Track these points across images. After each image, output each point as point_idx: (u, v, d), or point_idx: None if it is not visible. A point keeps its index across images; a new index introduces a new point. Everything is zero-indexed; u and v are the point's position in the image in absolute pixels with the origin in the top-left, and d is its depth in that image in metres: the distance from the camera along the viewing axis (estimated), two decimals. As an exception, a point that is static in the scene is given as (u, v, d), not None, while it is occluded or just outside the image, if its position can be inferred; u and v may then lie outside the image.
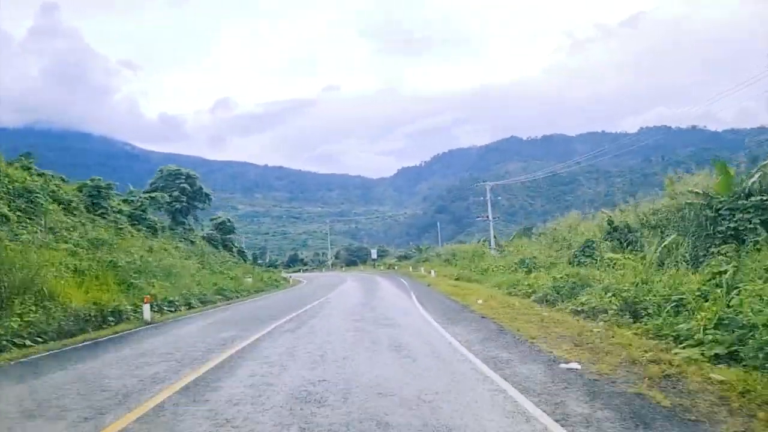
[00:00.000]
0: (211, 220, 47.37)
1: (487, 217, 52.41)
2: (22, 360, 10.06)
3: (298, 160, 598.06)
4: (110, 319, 15.03)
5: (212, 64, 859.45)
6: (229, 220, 48.51)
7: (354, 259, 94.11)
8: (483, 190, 55.02)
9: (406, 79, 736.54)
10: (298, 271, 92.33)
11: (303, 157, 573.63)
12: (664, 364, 7.28)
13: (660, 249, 14.60)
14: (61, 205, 25.54)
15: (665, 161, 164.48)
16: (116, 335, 13.66)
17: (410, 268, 60.08)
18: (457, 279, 34.43)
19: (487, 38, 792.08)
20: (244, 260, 47.52)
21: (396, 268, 69.18)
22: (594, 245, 21.43)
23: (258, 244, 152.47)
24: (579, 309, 13.46)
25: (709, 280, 10.13)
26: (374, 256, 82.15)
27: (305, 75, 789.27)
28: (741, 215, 13.93)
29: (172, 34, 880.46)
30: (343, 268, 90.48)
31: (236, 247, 48.40)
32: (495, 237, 46.66)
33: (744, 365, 6.66)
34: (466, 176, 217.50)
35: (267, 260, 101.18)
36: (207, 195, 44.85)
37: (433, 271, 42.83)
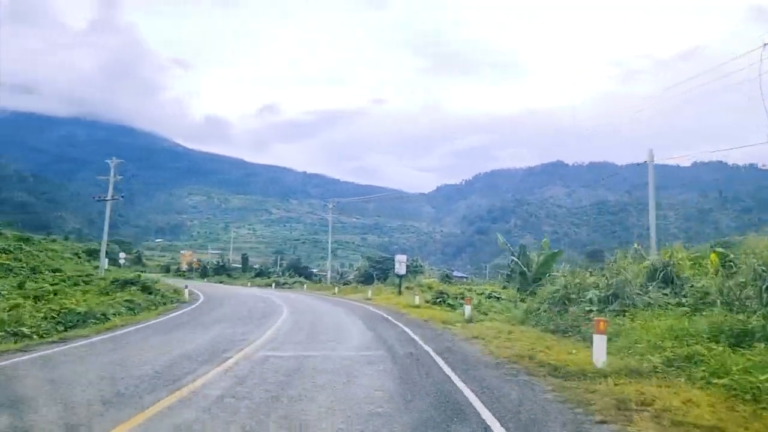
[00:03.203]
0: None
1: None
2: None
3: (338, 169, 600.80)
4: None
5: (262, 68, 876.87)
6: None
7: (373, 272, 61.57)
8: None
9: (450, 98, 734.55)
10: (271, 285, 67.53)
11: (343, 166, 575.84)
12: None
13: None
14: None
15: (723, 197, 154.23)
16: None
17: None
18: None
19: (534, 63, 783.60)
20: None
21: (459, 303, 26.56)
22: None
23: (286, 249, 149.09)
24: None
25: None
26: (401, 270, 42.59)
27: (352, 86, 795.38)
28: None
29: (226, 36, 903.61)
30: (337, 292, 51.62)
31: None
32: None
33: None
34: (509, 197, 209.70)
35: (277, 267, 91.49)
36: None
37: None
